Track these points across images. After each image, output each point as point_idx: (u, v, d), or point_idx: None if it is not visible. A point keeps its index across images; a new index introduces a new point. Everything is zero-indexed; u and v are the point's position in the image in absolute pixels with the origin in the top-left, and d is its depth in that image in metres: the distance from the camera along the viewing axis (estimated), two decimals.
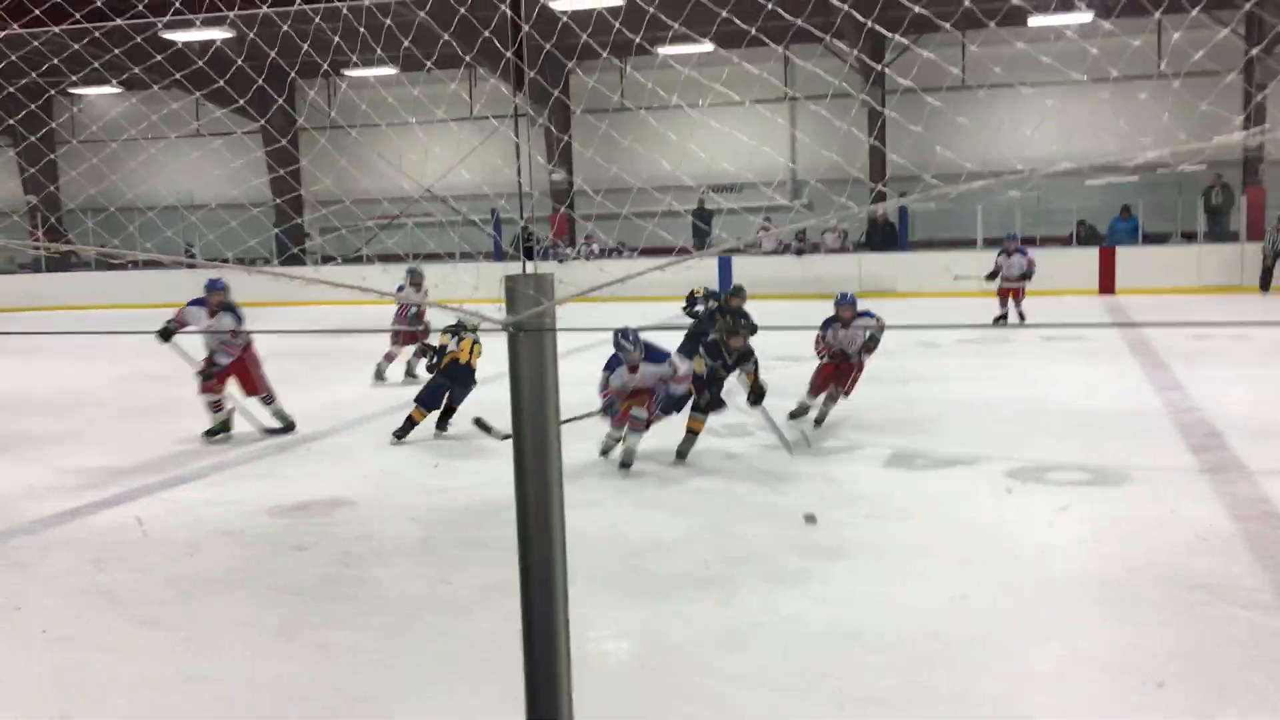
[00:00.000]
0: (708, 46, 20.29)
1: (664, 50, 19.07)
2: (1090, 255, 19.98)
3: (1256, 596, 4.77)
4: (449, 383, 8.85)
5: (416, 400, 8.86)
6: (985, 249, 20.46)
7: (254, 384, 8.97)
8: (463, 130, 25.74)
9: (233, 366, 8.82)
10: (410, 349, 11.88)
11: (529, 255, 22.39)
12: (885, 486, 6.83)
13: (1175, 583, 4.97)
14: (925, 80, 20.69)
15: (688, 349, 8.64)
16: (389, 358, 11.93)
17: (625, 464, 7.36)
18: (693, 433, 7.64)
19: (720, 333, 7.74)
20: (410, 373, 11.86)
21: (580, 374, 10.20)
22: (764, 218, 23.04)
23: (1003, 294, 15.18)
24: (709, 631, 4.60)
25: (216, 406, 8.84)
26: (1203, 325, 13.35)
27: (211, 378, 8.73)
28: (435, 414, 8.88)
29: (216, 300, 8.80)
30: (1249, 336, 12.59)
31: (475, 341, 8.84)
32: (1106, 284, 19.69)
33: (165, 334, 8.67)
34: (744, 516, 6.34)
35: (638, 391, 7.46)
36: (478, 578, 5.31)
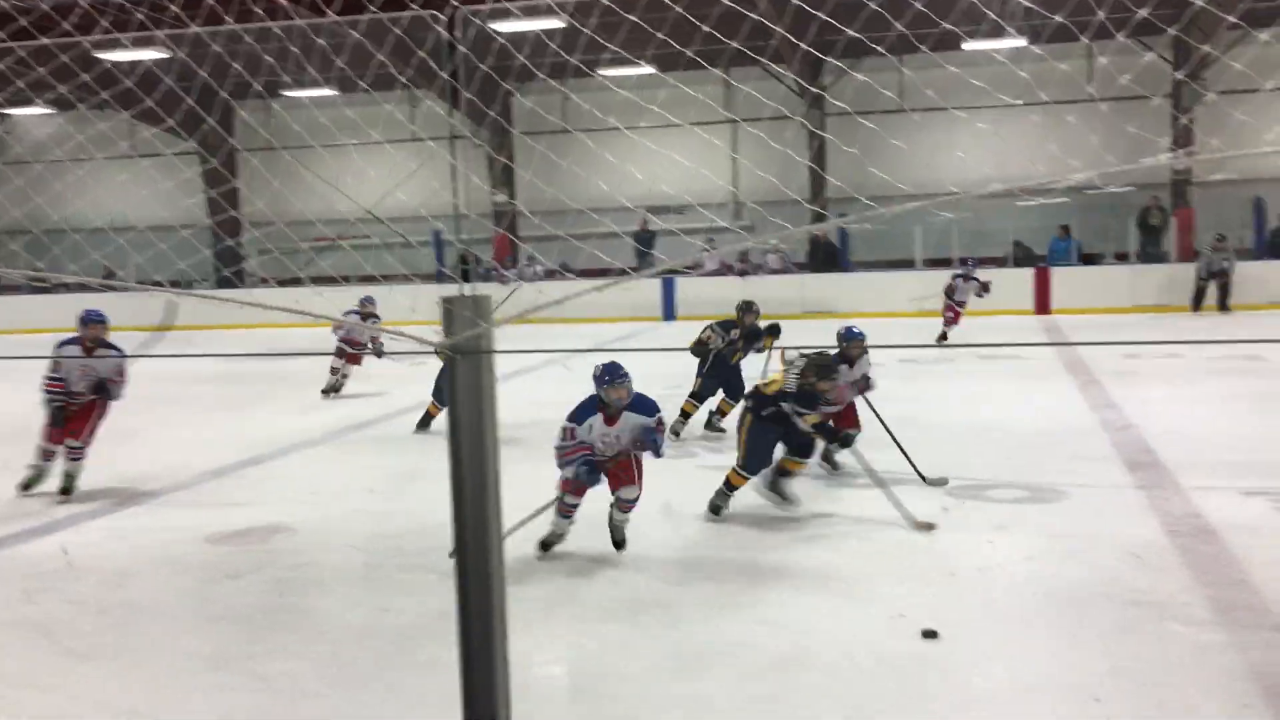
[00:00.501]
0: (648, 69, 20.41)
1: (604, 72, 19.15)
2: (1026, 276, 20.30)
3: (1192, 612, 4.83)
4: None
5: (433, 395, 9.74)
6: (924, 270, 20.76)
7: (87, 430, 7.68)
8: (400, 152, 25.62)
9: (86, 407, 7.68)
10: (348, 366, 12.31)
11: (466, 277, 22.31)
12: (826, 506, 6.85)
13: (1113, 600, 5.03)
14: (862, 104, 20.99)
15: (715, 380, 9.17)
16: (334, 371, 12.27)
17: (620, 544, 6.06)
18: (789, 474, 6.88)
19: (812, 377, 6.65)
20: (335, 390, 12.30)
21: (518, 399, 10.16)
22: (707, 239, 23.17)
23: (952, 312, 15.31)
24: (654, 657, 4.56)
25: (48, 455, 7.72)
26: (1137, 344, 13.60)
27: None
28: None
29: (93, 335, 7.64)
30: (1180, 355, 12.85)
31: None
32: (1042, 304, 20.01)
33: (57, 419, 7.58)
34: (688, 541, 6.32)
35: (614, 456, 5.98)
36: (420, 605, 5.23)
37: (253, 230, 26.62)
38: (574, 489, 5.88)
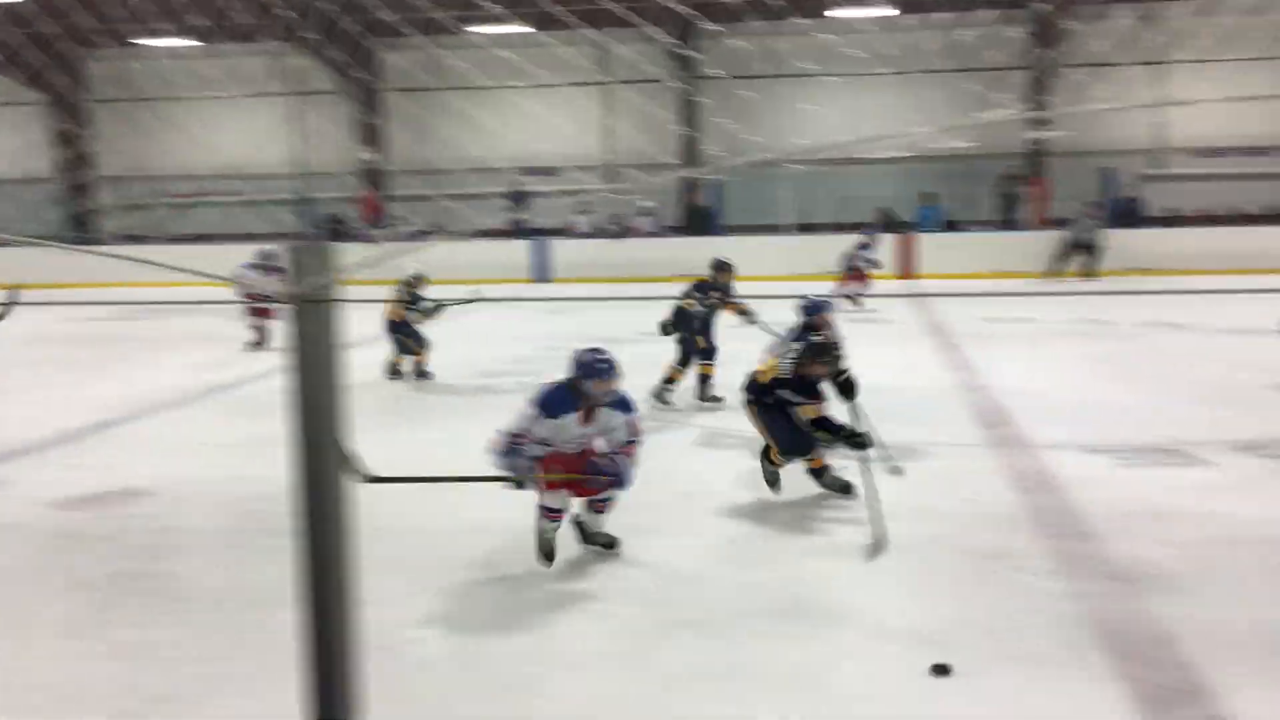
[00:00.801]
0: (522, 28, 20.18)
1: (476, 29, 18.87)
2: (891, 241, 20.75)
3: (1038, 563, 5.06)
4: (390, 335, 10.26)
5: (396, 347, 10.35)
6: (795, 235, 21.16)
7: None
8: (261, 106, 24.77)
9: None
10: (261, 322, 12.17)
11: (332, 236, 21.85)
12: (695, 465, 6.94)
13: (965, 553, 5.23)
14: (733, 68, 21.14)
15: (699, 339, 8.90)
16: (255, 329, 12.16)
17: (609, 544, 5.27)
18: (823, 471, 6.31)
19: (809, 361, 6.01)
20: (260, 343, 12.16)
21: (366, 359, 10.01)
22: (581, 201, 23.18)
23: (857, 278, 15.61)
24: (522, 618, 4.58)
25: None
26: (1002, 295, 14.08)
27: None
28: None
29: None
30: (1034, 320, 13.33)
31: (398, 302, 10.15)
32: (907, 269, 20.50)
33: None
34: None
35: (569, 458, 4.95)
36: (282, 569, 5.09)
37: (108, 185, 25.52)
38: (557, 500, 5.01)
